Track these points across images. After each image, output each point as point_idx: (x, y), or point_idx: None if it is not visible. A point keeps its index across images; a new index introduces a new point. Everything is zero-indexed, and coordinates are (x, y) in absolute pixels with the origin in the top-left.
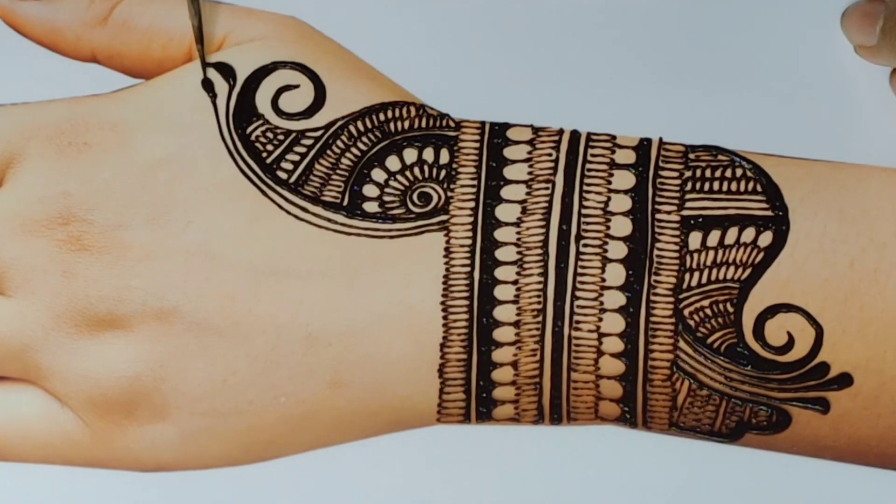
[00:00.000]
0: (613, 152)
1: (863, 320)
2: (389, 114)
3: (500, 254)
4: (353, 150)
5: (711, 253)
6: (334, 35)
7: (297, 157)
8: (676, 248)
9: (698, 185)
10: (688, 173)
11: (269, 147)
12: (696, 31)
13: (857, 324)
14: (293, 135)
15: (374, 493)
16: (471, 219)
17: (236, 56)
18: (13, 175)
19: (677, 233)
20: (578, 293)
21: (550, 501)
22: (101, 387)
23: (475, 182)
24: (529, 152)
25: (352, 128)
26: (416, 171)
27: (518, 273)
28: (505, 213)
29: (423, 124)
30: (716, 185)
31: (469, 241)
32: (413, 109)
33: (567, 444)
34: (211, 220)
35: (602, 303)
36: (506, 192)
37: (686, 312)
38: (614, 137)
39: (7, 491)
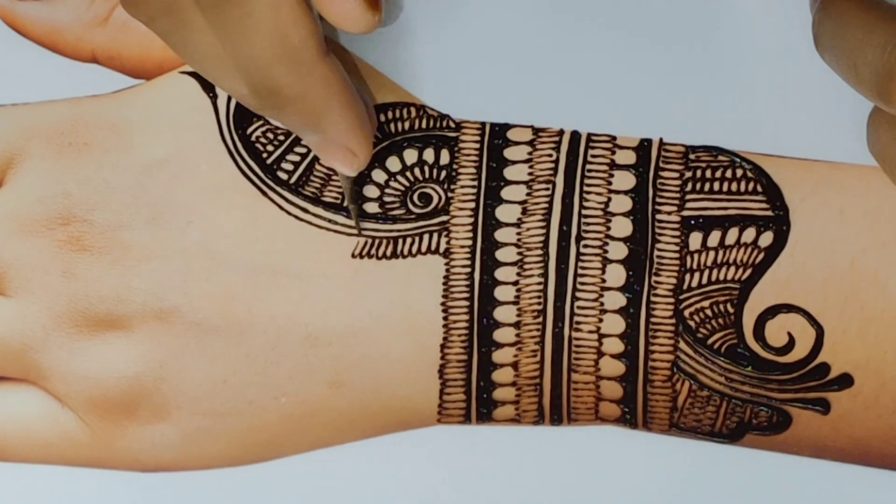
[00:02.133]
0: (614, 153)
1: (863, 320)
2: (390, 114)
3: (501, 255)
4: None
5: (712, 253)
6: (335, 35)
7: (297, 158)
8: (677, 248)
9: (699, 186)
10: (688, 174)
11: (270, 147)
12: (696, 30)
13: (857, 324)
14: (293, 135)
15: (374, 493)
16: (471, 219)
17: None
18: (13, 175)
19: (678, 233)
20: (579, 294)
21: (550, 501)
22: (102, 387)
23: (475, 183)
24: (530, 153)
25: None
26: (417, 171)
27: (518, 274)
28: (505, 213)
29: (424, 125)
30: (716, 186)
31: (469, 242)
32: (413, 110)
33: (567, 445)
34: (211, 220)
35: (602, 304)
36: (506, 192)
37: (686, 313)
38: (614, 138)
39: (7, 491)
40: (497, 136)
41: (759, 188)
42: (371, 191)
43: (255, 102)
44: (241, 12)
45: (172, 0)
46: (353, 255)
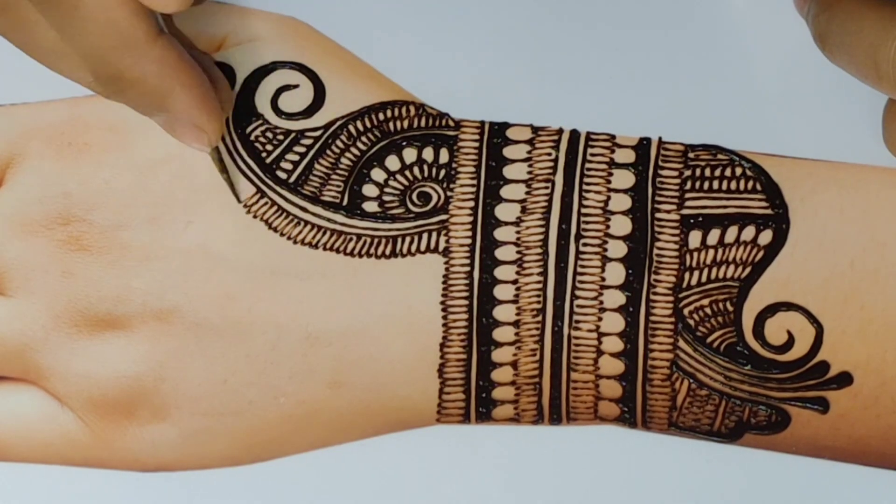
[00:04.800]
0: (613, 151)
1: (863, 320)
2: (389, 113)
3: (500, 253)
4: (353, 149)
5: (711, 251)
6: (334, 35)
7: (296, 157)
8: (676, 246)
9: (698, 184)
10: (687, 172)
11: (269, 147)
12: (695, 30)
13: (857, 323)
14: (293, 134)
15: (374, 493)
16: (470, 218)
17: (236, 56)
18: (13, 175)
19: (677, 231)
20: (578, 292)
21: (550, 501)
22: (102, 387)
23: (475, 181)
24: (529, 152)
25: (351, 127)
26: (416, 170)
27: (518, 272)
28: (504, 212)
29: (423, 124)
30: (715, 184)
31: (469, 241)
32: (412, 109)
33: (567, 445)
34: (211, 220)
35: (602, 302)
36: (505, 191)
37: (686, 311)
38: (614, 137)
39: (7, 491)
40: (496, 134)
41: (758, 186)
42: (370, 190)
43: (101, 89)
44: (69, 4)
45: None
46: (354, 254)
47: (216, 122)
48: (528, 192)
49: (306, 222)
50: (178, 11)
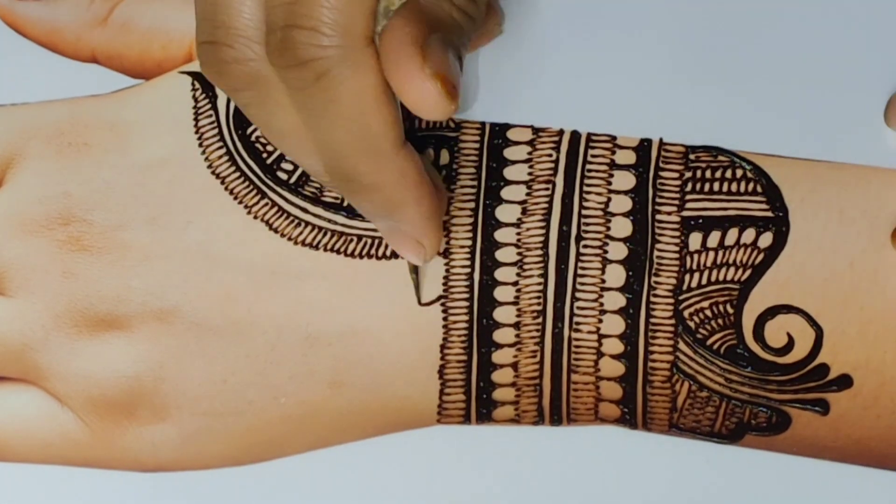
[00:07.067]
0: (614, 153)
1: (863, 321)
2: None
3: (500, 255)
4: None
5: (711, 254)
6: None
7: None
8: (676, 249)
9: (698, 186)
10: (688, 174)
11: (270, 148)
12: (695, 31)
13: (856, 325)
14: None
15: (374, 493)
16: (471, 220)
17: None
18: (13, 175)
19: (677, 234)
20: (578, 294)
21: (550, 501)
22: (101, 387)
23: (475, 183)
24: (529, 153)
25: None
26: None
27: (518, 274)
28: (505, 213)
29: (424, 125)
30: (716, 186)
31: (469, 242)
32: None
33: (567, 445)
34: (211, 220)
35: (602, 304)
36: (506, 192)
37: (686, 314)
38: (614, 138)
39: (7, 491)
40: (497, 136)
41: (758, 188)
42: None
43: (331, 183)
44: (325, 97)
45: (258, 75)
46: (354, 255)
47: (438, 239)
48: (528, 194)
49: (307, 223)
50: (441, 119)
